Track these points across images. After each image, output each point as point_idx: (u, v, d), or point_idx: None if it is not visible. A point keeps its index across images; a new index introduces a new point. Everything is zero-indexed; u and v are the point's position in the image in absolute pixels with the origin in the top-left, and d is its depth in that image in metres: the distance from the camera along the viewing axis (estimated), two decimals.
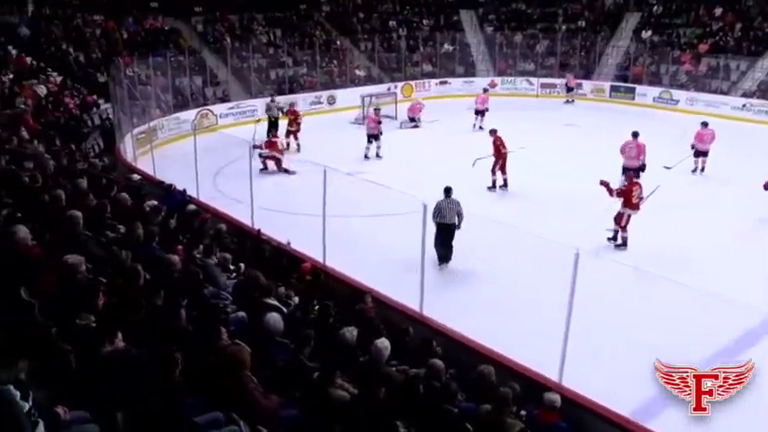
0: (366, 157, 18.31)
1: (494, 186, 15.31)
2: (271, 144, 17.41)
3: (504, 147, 15.24)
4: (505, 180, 15.36)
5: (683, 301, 8.34)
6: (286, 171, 16.84)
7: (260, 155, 16.59)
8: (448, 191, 11.07)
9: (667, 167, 14.31)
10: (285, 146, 18.26)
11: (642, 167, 14.80)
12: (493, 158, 15.37)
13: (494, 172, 15.31)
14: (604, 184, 11.88)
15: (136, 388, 4.34)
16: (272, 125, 20.62)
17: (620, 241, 12.13)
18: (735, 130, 21.07)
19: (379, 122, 18.62)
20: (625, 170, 14.92)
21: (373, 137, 18.40)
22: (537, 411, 5.98)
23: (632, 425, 6.17)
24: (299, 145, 19.25)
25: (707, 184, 16.30)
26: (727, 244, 12.27)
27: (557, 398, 5.99)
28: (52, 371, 4.34)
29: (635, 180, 12.41)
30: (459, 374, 6.53)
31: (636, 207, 11.95)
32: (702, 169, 17.04)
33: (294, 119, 19.57)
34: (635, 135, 15.43)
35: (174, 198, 11.48)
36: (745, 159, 17.90)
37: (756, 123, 23.29)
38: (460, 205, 10.93)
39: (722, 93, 25.69)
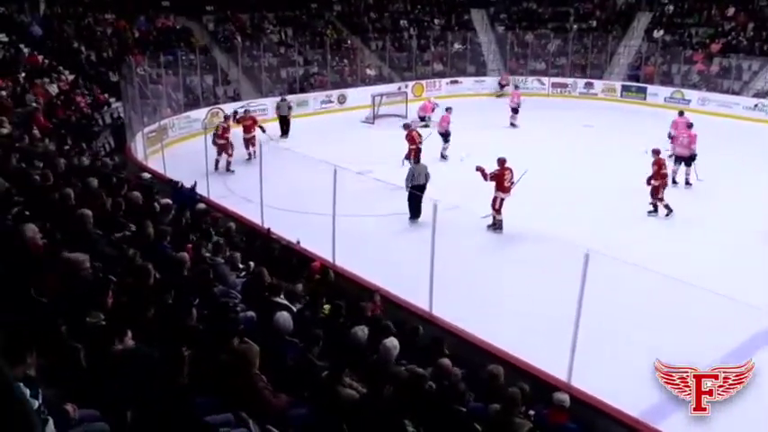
0: (443, 156, 17.99)
1: (655, 210, 13.90)
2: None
3: (662, 171, 13.83)
4: (666, 206, 13.80)
5: (694, 302, 8.30)
6: (227, 165, 16.88)
7: (213, 142, 16.55)
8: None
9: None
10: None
11: (693, 156, 15.42)
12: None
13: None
14: (480, 169, 12.58)
15: (145, 386, 4.35)
16: (283, 122, 20.70)
17: (492, 222, 12.72)
18: (747, 130, 20.96)
19: (449, 122, 18.39)
20: (677, 159, 15.58)
21: (445, 135, 18.18)
22: (546, 411, 5.95)
23: (642, 425, 6.13)
24: (250, 154, 17.55)
25: (718, 183, 16.17)
26: (742, 244, 12.19)
27: (566, 398, 5.97)
28: (62, 369, 4.36)
29: (506, 165, 12.97)
30: (468, 374, 6.51)
31: (507, 191, 12.73)
32: (687, 182, 15.76)
33: (250, 126, 17.91)
34: (690, 126, 16.27)
35: (181, 195, 11.50)
36: (758, 159, 17.79)
37: None
38: (427, 168, 13.52)
39: (734, 93, 25.51)
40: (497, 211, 12.75)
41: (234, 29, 27.23)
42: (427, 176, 13.32)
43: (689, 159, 15.49)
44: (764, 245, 12.22)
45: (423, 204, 12.53)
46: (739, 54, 26.45)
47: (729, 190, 15.52)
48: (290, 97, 24.62)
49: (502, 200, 12.72)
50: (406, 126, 17.27)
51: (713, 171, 16.92)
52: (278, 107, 21.33)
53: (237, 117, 18.95)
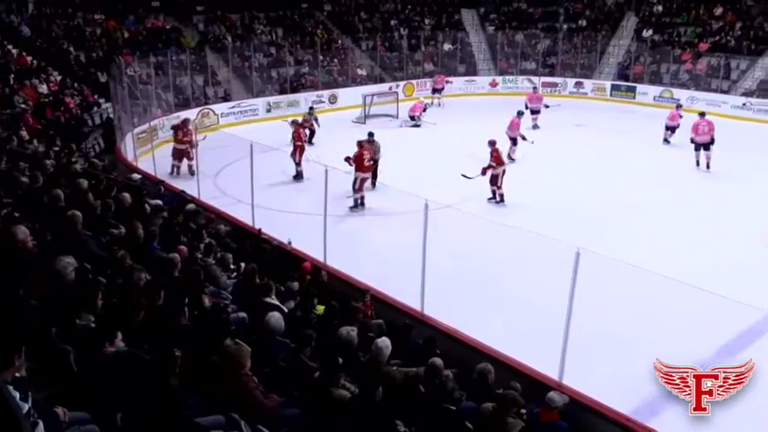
0: (510, 158, 17.63)
1: (494, 197, 14.53)
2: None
3: (498, 161, 14.47)
4: (501, 195, 14.53)
5: (683, 300, 8.35)
6: (173, 169, 16.20)
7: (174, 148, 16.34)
8: (371, 135, 15.17)
9: (466, 176, 14.24)
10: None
11: (712, 140, 16.88)
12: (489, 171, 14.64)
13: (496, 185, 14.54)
14: (347, 159, 13.67)
15: (136, 389, 4.34)
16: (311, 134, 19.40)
17: (354, 204, 13.67)
18: (735, 129, 21.07)
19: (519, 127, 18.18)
20: (698, 146, 17.10)
21: (514, 140, 17.95)
22: (537, 410, 5.97)
23: (633, 423, 6.16)
24: (190, 167, 16.24)
25: (707, 182, 16.28)
26: (731, 242, 12.27)
27: (556, 396, 5.98)
28: (52, 372, 4.34)
29: (363, 148, 14.01)
30: (460, 374, 6.53)
31: (368, 170, 13.90)
32: (708, 165, 17.12)
33: (182, 137, 16.42)
34: (702, 114, 17.76)
35: (164, 199, 11.41)
36: (747, 158, 17.91)
37: (756, 122, 23.28)
38: (379, 144, 15.14)
39: (722, 92, 25.66)
40: (499, 186, 14.05)
41: (224, 29, 27.16)
42: (379, 151, 15.16)
43: (708, 144, 16.93)
44: (753, 242, 12.30)
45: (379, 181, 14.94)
46: (727, 53, 26.61)
47: (719, 188, 15.64)
48: (280, 98, 24.67)
49: (363, 179, 13.77)
50: (293, 122, 16.97)
51: (703, 170, 17.07)
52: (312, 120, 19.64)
53: (173, 125, 17.33)
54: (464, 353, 7.30)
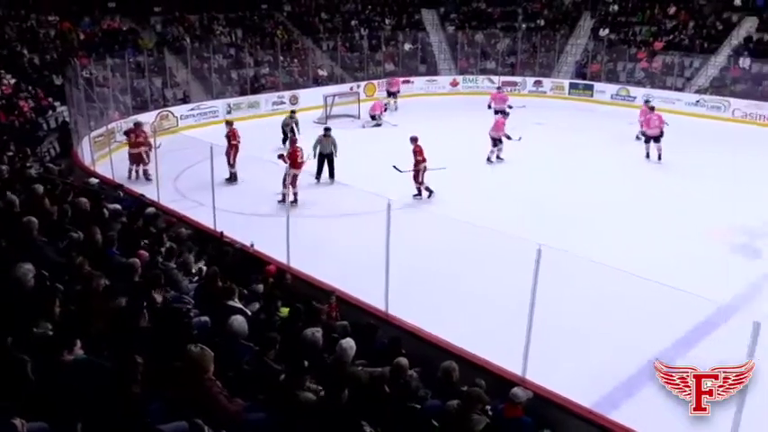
0: (499, 159, 18.05)
1: (419, 194, 14.92)
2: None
3: (422, 155, 14.78)
4: (426, 188, 14.87)
5: (642, 293, 8.52)
6: (130, 173, 16.06)
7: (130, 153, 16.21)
8: (327, 130, 16.18)
9: (397, 169, 14.61)
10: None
11: (662, 133, 17.79)
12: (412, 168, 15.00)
13: (417, 180, 14.93)
14: (281, 156, 14.15)
15: (97, 397, 4.26)
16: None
17: (292, 198, 13.90)
18: (689, 126, 21.56)
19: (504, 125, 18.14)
20: (648, 138, 18.04)
21: (497, 140, 17.95)
22: (502, 406, 6.02)
23: (595, 416, 6.25)
24: (145, 171, 16.24)
25: (664, 178, 16.63)
26: (686, 237, 12.55)
27: (520, 392, 6.04)
28: (9, 382, 4.24)
29: (297, 145, 14.71)
30: (425, 372, 6.55)
31: (300, 167, 14.41)
32: (659, 157, 17.93)
33: (137, 141, 16.32)
34: (652, 109, 18.58)
35: (123, 203, 11.24)
36: (701, 154, 18.35)
37: (709, 119, 23.86)
38: (336, 140, 15.92)
39: (677, 89, 26.25)
40: (292, 185, 14.12)
41: (183, 30, 26.83)
42: (335, 147, 15.98)
43: (659, 137, 17.83)
44: (707, 238, 12.62)
45: (328, 172, 15.91)
46: (681, 51, 27.22)
47: (675, 184, 15.99)
48: (241, 99, 24.43)
49: (295, 176, 14.20)
50: (228, 123, 17.04)
51: (654, 161, 17.45)
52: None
53: (125, 130, 17.19)
54: (429, 351, 7.33)
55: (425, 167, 14.72)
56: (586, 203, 14.35)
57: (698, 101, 25.03)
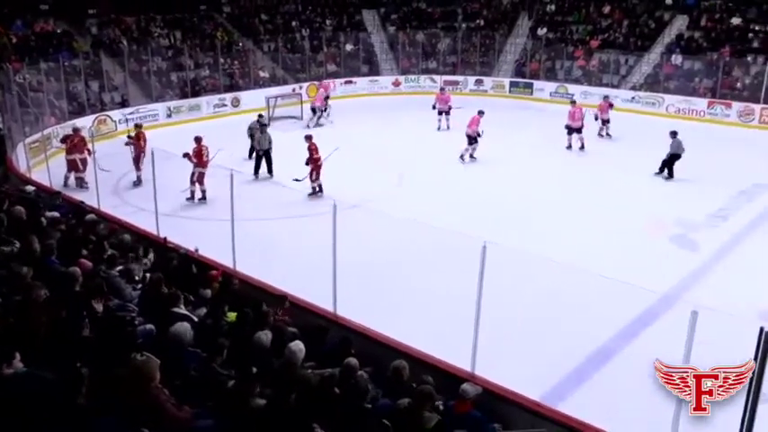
0: (472, 157, 18.19)
1: (314, 192, 15.17)
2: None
3: (317, 153, 15.15)
4: (320, 186, 15.15)
5: (583, 286, 8.74)
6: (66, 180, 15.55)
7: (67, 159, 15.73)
8: (263, 125, 17.11)
9: (297, 180, 14.95)
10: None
11: (583, 125, 19.10)
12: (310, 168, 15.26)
13: (311, 178, 15.23)
14: (186, 155, 14.33)
15: (39, 411, 4.14)
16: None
17: (199, 195, 14.59)
18: (625, 122, 22.15)
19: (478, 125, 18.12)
20: (571, 130, 19.19)
21: (472, 138, 18.05)
22: (452, 403, 6.09)
23: (543, 408, 6.37)
24: (80, 179, 15.75)
25: (602, 171, 17.06)
26: (622, 230, 12.91)
27: (469, 388, 6.12)
28: None
29: (203, 143, 14.83)
30: (375, 372, 6.57)
31: (205, 165, 14.56)
32: (582, 147, 19.28)
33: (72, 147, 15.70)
34: (573, 103, 20.14)
35: (61, 210, 10.93)
36: (638, 149, 18.90)
37: (644, 114, 24.63)
38: (270, 135, 16.69)
39: (613, 86, 26.96)
40: (199, 182, 14.64)
41: (119, 32, 26.21)
42: (270, 142, 16.67)
43: (580, 128, 19.12)
44: (641, 231, 13.01)
45: (265, 169, 16.56)
46: (616, 50, 27.98)
47: (613, 179, 16.43)
48: (181, 102, 24.00)
49: (202, 173, 14.56)
50: (137, 125, 17.11)
51: (595, 161, 17.90)
52: (256, 139, 17.23)
53: (63, 136, 16.65)
54: (378, 351, 7.35)
55: (321, 164, 15.09)
56: (528, 200, 14.65)
57: (633, 97, 25.79)
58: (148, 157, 12.08)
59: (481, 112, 18.46)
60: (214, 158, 14.49)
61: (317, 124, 22.69)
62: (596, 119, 20.72)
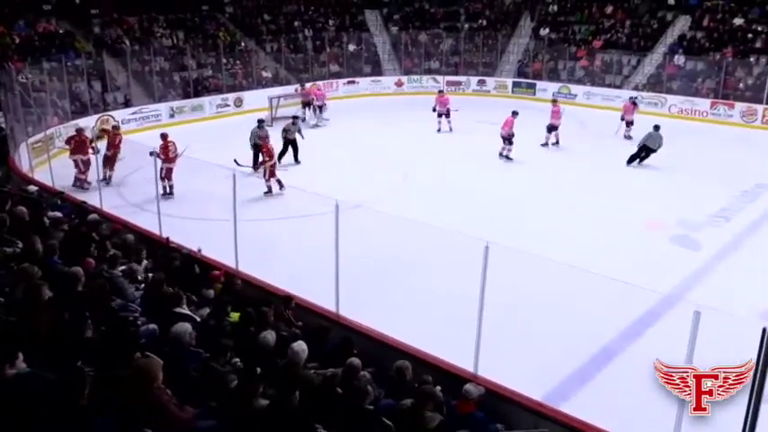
0: (509, 158, 18.23)
1: (269, 191, 15.25)
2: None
3: (269, 156, 15.23)
4: (270, 187, 15.25)
5: (587, 287, 8.72)
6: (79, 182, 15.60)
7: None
8: (296, 118, 17.28)
9: (237, 163, 15.04)
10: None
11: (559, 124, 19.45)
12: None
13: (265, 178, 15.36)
14: (154, 153, 13.97)
15: (41, 411, 4.14)
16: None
17: (167, 190, 14.73)
18: None
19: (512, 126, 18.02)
20: (552, 128, 19.47)
21: (507, 138, 17.93)
22: (454, 403, 6.09)
23: (545, 408, 6.37)
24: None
25: (605, 171, 17.04)
26: (625, 231, 12.89)
27: (472, 388, 6.12)
28: None
29: (169, 139, 15.15)
30: (378, 372, 6.57)
31: (172, 161, 14.92)
32: (556, 142, 19.70)
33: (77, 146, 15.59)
34: (555, 102, 20.44)
35: (63, 210, 10.94)
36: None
37: (647, 115, 24.45)
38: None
39: (616, 87, 26.95)
40: (168, 178, 14.89)
41: (122, 32, 26.24)
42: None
43: (557, 127, 19.48)
44: (646, 231, 12.99)
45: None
46: (619, 50, 27.95)
47: (615, 179, 16.41)
48: (184, 102, 24.02)
49: (170, 169, 14.89)
50: (115, 127, 17.57)
51: (597, 161, 17.87)
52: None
53: (67, 137, 16.49)
54: (381, 351, 7.35)
55: (273, 165, 15.21)
56: (529, 200, 14.63)
57: (636, 98, 25.70)
58: (147, 157, 12.04)
59: (515, 113, 18.25)
60: (183, 154, 14.74)
61: (319, 119, 22.81)
62: (622, 120, 20.55)
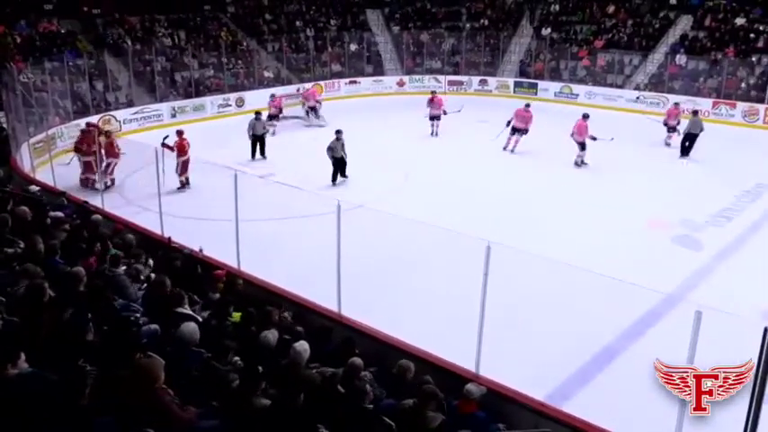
0: (584, 163, 17.79)
1: (182, 186, 15.61)
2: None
3: (184, 152, 15.42)
4: (187, 179, 15.65)
5: (588, 287, 8.72)
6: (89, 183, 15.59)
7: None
8: (339, 132, 15.96)
9: (164, 145, 15.11)
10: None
11: (528, 129, 18.93)
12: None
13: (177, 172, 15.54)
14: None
15: (43, 411, 4.15)
16: (261, 143, 18.50)
17: (109, 183, 15.25)
18: (630, 122, 22.12)
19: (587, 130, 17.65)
20: (518, 132, 18.95)
21: (582, 144, 17.55)
22: (456, 403, 6.08)
23: (547, 408, 6.37)
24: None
25: (606, 172, 17.03)
26: (626, 230, 12.88)
27: (473, 388, 6.12)
28: None
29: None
30: (379, 372, 6.57)
31: (117, 156, 15.47)
32: (513, 150, 18.96)
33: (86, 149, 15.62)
34: (528, 106, 19.38)
35: (65, 210, 10.95)
36: (642, 149, 18.87)
37: (649, 114, 24.50)
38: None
39: (617, 86, 26.95)
40: (110, 173, 15.43)
41: (123, 32, 26.25)
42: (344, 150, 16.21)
43: (525, 131, 18.89)
44: (647, 231, 12.99)
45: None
46: (621, 49, 27.94)
47: (616, 179, 16.40)
48: (185, 102, 24.04)
49: (115, 164, 15.53)
50: (108, 133, 17.05)
51: (597, 161, 17.84)
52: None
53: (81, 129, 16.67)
54: (382, 351, 7.35)
55: (189, 159, 15.51)
56: (530, 200, 14.62)
57: (638, 97, 25.77)
58: (149, 157, 12.03)
59: (586, 116, 17.79)
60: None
61: (316, 119, 22.79)
62: (665, 125, 20.01)
